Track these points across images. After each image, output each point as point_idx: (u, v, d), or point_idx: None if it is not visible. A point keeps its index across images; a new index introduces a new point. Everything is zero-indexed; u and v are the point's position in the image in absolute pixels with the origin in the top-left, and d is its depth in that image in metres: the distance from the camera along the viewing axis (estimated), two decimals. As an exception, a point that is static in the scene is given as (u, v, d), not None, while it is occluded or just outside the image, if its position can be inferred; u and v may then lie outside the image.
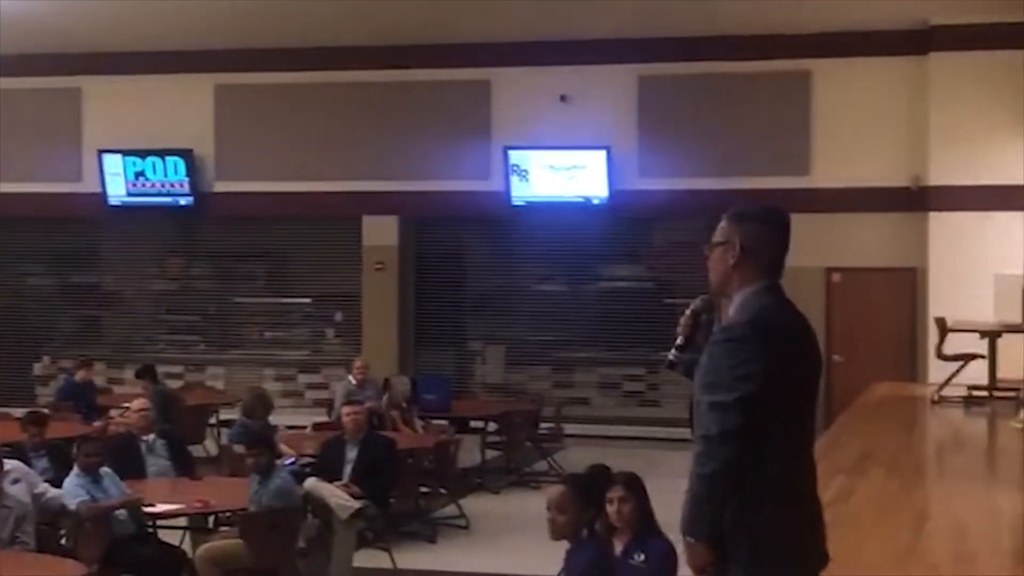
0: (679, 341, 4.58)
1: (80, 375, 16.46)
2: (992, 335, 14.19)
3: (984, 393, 14.29)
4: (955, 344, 14.46)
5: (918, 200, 17.40)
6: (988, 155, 16.76)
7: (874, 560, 7.37)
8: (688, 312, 4.59)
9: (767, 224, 4.43)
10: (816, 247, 16.78)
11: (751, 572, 4.15)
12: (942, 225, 17.14)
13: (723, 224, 4.47)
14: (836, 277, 17.85)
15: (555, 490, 6.01)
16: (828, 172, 17.91)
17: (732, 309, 4.38)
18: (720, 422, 4.12)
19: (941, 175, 17.15)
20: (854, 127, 17.83)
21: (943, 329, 14.57)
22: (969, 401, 14.39)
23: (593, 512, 5.82)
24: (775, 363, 4.19)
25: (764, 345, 4.19)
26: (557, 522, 5.83)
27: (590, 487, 5.94)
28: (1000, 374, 14.19)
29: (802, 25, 17.69)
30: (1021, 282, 13.23)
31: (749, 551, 4.14)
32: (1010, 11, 15.75)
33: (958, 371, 14.37)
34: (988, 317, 15.67)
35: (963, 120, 16.92)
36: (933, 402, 14.59)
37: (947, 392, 14.51)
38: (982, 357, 14.24)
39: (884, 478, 10.31)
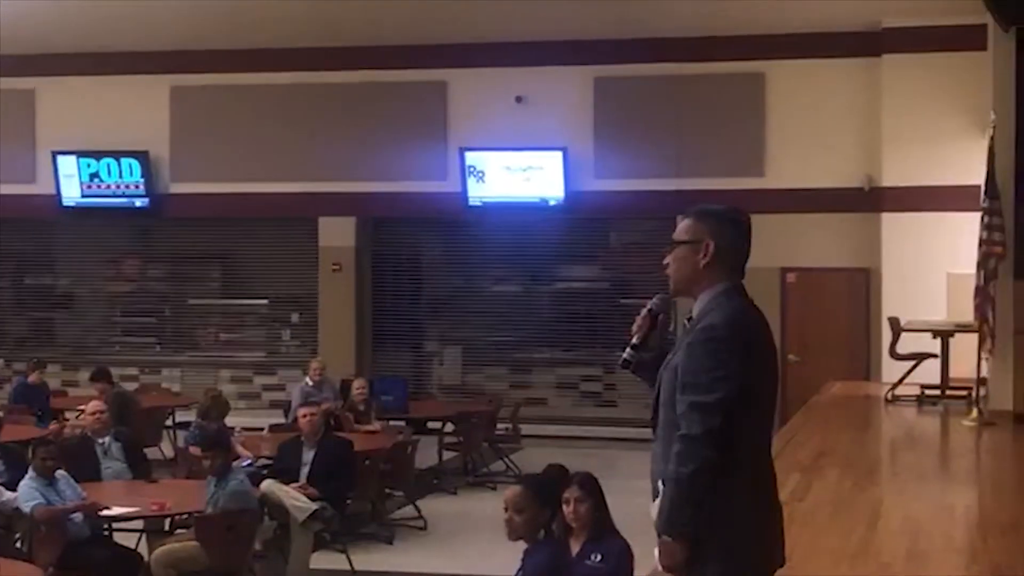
0: (635, 340, 4.54)
1: (33, 377, 16.33)
2: (945, 334, 14.31)
3: (937, 392, 14.41)
4: (908, 344, 14.58)
5: (871, 201, 17.53)
6: (940, 156, 16.90)
7: (828, 558, 7.43)
8: (645, 312, 4.54)
9: (736, 224, 4.44)
10: (771, 247, 16.85)
11: (723, 571, 4.17)
12: (895, 225, 17.28)
13: (689, 222, 4.43)
14: (791, 277, 17.95)
15: (512, 490, 6.02)
16: (782, 173, 18.02)
17: (697, 309, 4.38)
18: (701, 422, 4.13)
19: (894, 176, 17.29)
20: (808, 128, 17.94)
21: (896, 329, 14.69)
22: (922, 400, 14.52)
23: (550, 512, 5.83)
24: (752, 365, 4.24)
25: (744, 347, 4.23)
26: (514, 522, 5.85)
27: (547, 487, 5.96)
28: (953, 373, 14.31)
29: (756, 27, 17.79)
30: (972, 282, 13.33)
31: (722, 550, 4.16)
32: (962, 13, 15.86)
33: (911, 370, 14.50)
34: (941, 317, 15.84)
35: (916, 121, 17.05)
36: (887, 401, 14.71)
37: (900, 391, 14.63)
38: (935, 356, 14.36)
39: (838, 476, 10.39)
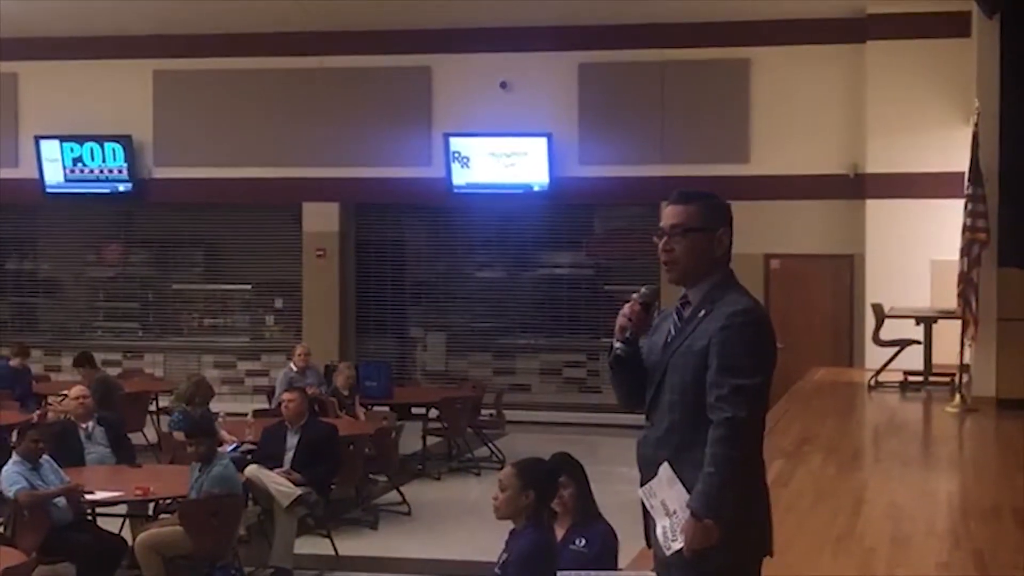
0: (628, 335, 4.37)
1: (15, 362, 16.31)
2: (928, 321, 14.37)
3: (920, 378, 14.48)
4: (892, 330, 14.63)
5: (855, 187, 17.57)
6: (925, 143, 16.94)
7: (812, 542, 7.46)
8: (637, 305, 4.35)
9: (728, 211, 4.41)
10: (755, 234, 16.88)
11: (722, 556, 4.15)
12: (879, 212, 17.31)
13: (693, 208, 4.32)
14: (775, 264, 17.99)
15: (505, 468, 6.09)
16: (767, 159, 18.04)
17: (698, 296, 4.31)
18: (748, 404, 4.10)
19: (878, 163, 17.32)
20: (792, 115, 17.96)
21: (880, 315, 14.73)
22: (905, 386, 14.58)
23: (533, 496, 5.83)
24: (775, 349, 4.30)
25: (772, 330, 4.29)
26: (497, 499, 5.89)
27: (534, 472, 5.95)
28: (936, 360, 14.38)
29: (741, 13, 17.80)
30: (956, 268, 13.37)
31: (731, 536, 4.13)
32: (946, 0, 15.93)
33: (894, 356, 14.55)
34: (924, 303, 15.89)
35: (900, 108, 17.08)
36: (870, 387, 14.76)
37: (884, 377, 14.69)
38: (918, 343, 14.42)
39: (822, 462, 10.43)
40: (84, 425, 10.96)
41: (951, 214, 14.72)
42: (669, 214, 4.37)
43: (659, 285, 4.50)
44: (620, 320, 4.38)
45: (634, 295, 4.39)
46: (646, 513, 4.37)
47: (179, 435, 11.45)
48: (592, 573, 6.30)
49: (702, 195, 4.41)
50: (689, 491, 4.16)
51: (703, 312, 4.28)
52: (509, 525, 5.95)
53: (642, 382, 4.39)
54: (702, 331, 4.24)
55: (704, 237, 4.32)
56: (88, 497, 9.46)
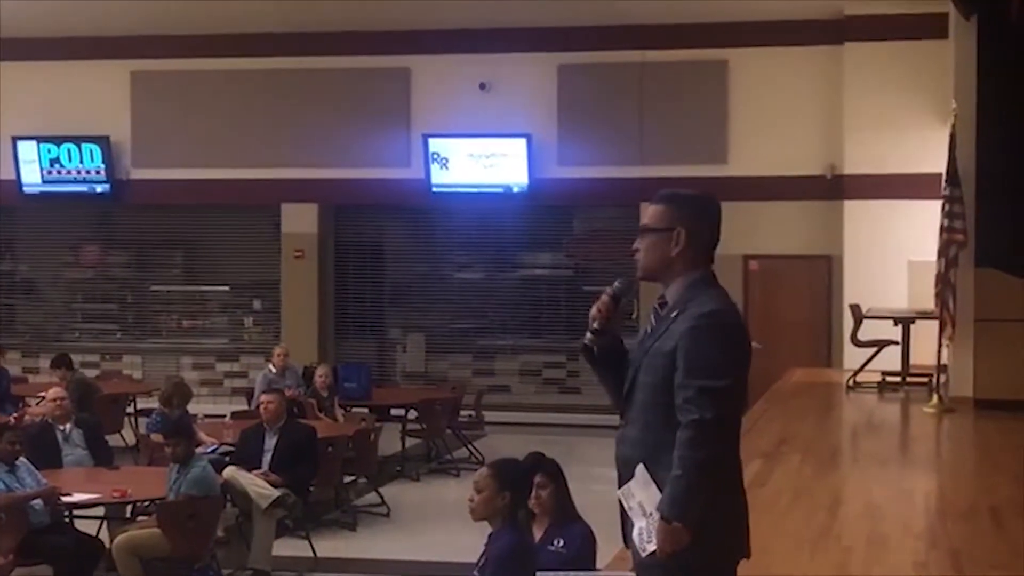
0: (595, 326, 4.43)
1: (-8, 364, 16.25)
2: (906, 322, 14.41)
3: (897, 379, 14.52)
4: (869, 331, 14.67)
5: (833, 188, 17.61)
6: (902, 144, 16.98)
7: (790, 542, 7.48)
8: (607, 297, 4.43)
9: (706, 210, 4.38)
10: (733, 235, 16.59)
11: (701, 559, 4.16)
12: (857, 213, 17.36)
13: (659, 208, 4.36)
14: (753, 264, 18.01)
15: (480, 470, 6.08)
16: (745, 160, 18.06)
17: (673, 296, 4.32)
18: (714, 407, 4.08)
19: (856, 164, 17.37)
20: (771, 116, 18.00)
21: (858, 316, 14.77)
22: (883, 387, 14.62)
23: (509, 497, 5.83)
24: (747, 350, 4.27)
25: (744, 332, 4.27)
26: (473, 500, 5.89)
27: (509, 472, 5.96)
28: (913, 360, 14.42)
29: (720, 15, 17.83)
30: (934, 269, 13.42)
31: (702, 539, 4.12)
32: (924, 1, 15.98)
33: (872, 357, 14.59)
34: (902, 304, 15.94)
35: (878, 109, 17.13)
36: (848, 388, 14.80)
37: (862, 378, 14.73)
38: (896, 343, 14.45)
39: (800, 463, 10.45)
40: (61, 427, 10.94)
41: (928, 215, 14.76)
42: (643, 214, 4.44)
43: (634, 279, 4.51)
44: (592, 311, 4.43)
45: (608, 288, 4.44)
46: (624, 514, 4.36)
47: (157, 437, 11.43)
48: (571, 574, 6.31)
49: (670, 196, 4.41)
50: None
51: (676, 313, 4.29)
52: (487, 526, 5.94)
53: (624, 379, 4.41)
54: (672, 332, 4.24)
55: (659, 236, 4.33)
56: (65, 499, 9.44)
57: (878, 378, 14.69)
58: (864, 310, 14.86)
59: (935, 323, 13.32)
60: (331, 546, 11.31)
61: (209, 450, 11.56)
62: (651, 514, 4.19)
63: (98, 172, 19.77)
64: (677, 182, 16.22)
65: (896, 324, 14.47)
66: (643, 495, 4.23)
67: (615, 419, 4.47)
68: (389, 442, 14.49)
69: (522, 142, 18.53)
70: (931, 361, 13.56)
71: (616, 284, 4.44)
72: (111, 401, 15.35)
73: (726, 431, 4.16)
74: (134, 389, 17.09)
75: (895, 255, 16.87)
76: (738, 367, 4.20)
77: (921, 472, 10.92)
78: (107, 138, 19.69)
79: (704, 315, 4.21)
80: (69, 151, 19.78)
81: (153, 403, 13.90)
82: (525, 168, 18.55)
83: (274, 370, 15.42)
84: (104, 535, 9.95)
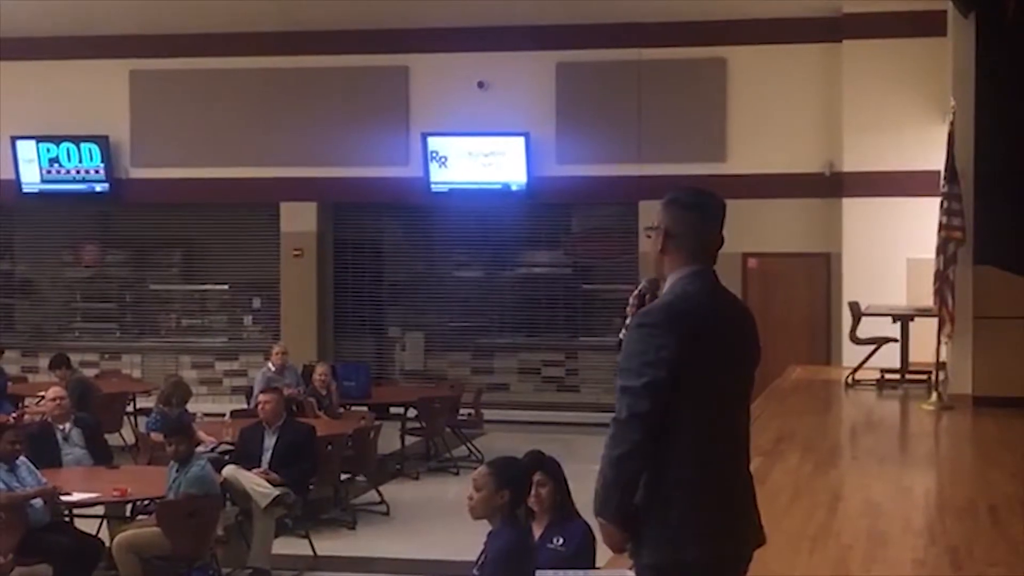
0: (628, 322, 4.46)
1: (-9, 363, 16.26)
2: (904, 319, 14.41)
3: (896, 376, 14.51)
4: (868, 328, 14.67)
5: (832, 186, 17.62)
6: (901, 141, 17.00)
7: (789, 540, 7.48)
8: (635, 293, 4.52)
9: (691, 209, 4.39)
10: (732, 233, 16.36)
11: (658, 553, 4.17)
12: (856, 211, 17.38)
13: (659, 208, 4.43)
14: (752, 262, 18.02)
15: (479, 468, 6.08)
16: (744, 158, 18.07)
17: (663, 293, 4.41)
18: (628, 406, 4.12)
19: (855, 161, 17.38)
20: (769, 114, 18.01)
21: (856, 313, 14.77)
22: (882, 384, 14.61)
23: (509, 495, 5.83)
24: (687, 349, 4.17)
25: (675, 331, 4.17)
26: (472, 499, 5.89)
27: (509, 471, 5.96)
28: (912, 357, 14.42)
29: (718, 13, 17.84)
30: (932, 266, 13.42)
31: (659, 532, 4.17)
32: (922, -1, 16.02)
33: (871, 355, 14.59)
34: (901, 301, 15.95)
35: (876, 107, 17.14)
36: (847, 385, 14.79)
37: (861, 375, 14.72)
38: (895, 341, 14.46)
39: (799, 460, 10.45)
40: (61, 426, 10.94)
41: (927, 212, 14.76)
42: None
43: (657, 277, 4.52)
44: (627, 310, 4.53)
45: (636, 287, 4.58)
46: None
47: (156, 436, 11.44)
48: (570, 572, 6.31)
49: (668, 196, 4.45)
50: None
51: None
52: (487, 525, 5.95)
53: None
54: None
55: (654, 236, 4.39)
56: (65, 498, 9.45)
57: (877, 375, 14.69)
58: (863, 307, 14.86)
59: (934, 320, 13.32)
60: (330, 545, 11.31)
61: (208, 449, 11.57)
62: None
63: (97, 171, 19.78)
64: (676, 180, 16.36)
65: (895, 321, 14.48)
66: None
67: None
68: (388, 440, 14.48)
69: (521, 140, 18.53)
70: (930, 358, 13.55)
71: (643, 281, 4.53)
72: (110, 400, 15.35)
73: (644, 429, 4.11)
74: (133, 388, 17.09)
75: (894, 252, 16.88)
76: (660, 366, 4.11)
77: (920, 469, 10.92)
78: (106, 137, 19.69)
79: (637, 315, 4.29)
80: (68, 150, 19.78)
81: (152, 402, 13.89)
82: (524, 166, 18.56)
83: (273, 369, 15.42)
84: (104, 534, 9.96)
